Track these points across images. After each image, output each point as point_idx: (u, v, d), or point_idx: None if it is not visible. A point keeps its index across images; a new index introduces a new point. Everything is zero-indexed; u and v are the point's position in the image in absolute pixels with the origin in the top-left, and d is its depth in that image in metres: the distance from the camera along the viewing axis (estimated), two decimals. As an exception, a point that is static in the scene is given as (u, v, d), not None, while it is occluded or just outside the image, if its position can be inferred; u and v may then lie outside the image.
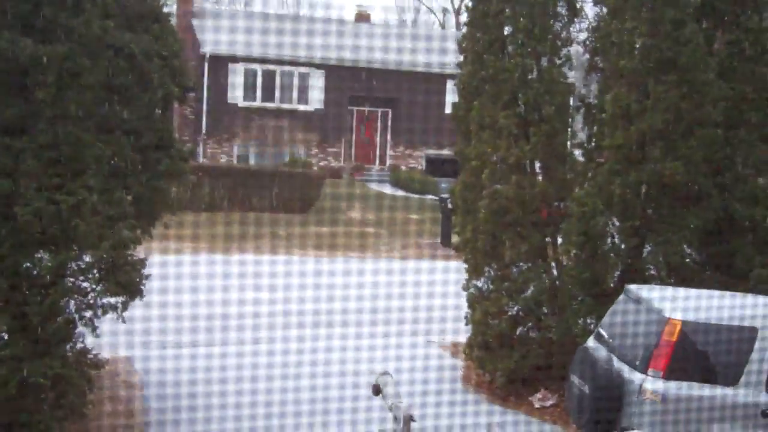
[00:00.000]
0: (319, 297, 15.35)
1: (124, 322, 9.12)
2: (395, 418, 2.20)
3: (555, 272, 11.71)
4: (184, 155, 10.31)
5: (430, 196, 29.66)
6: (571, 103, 12.63)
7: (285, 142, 32.69)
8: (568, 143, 12.30)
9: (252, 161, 32.42)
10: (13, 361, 8.10)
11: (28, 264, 8.51)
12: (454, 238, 15.57)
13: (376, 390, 2.38)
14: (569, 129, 12.40)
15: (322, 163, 33.37)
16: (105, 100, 9.02)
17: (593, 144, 11.71)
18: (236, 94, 32.78)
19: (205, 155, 32.26)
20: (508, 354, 11.22)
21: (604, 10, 11.58)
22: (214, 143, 32.75)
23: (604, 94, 11.50)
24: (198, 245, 20.03)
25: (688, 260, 11.31)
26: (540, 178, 11.85)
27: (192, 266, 17.19)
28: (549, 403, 10.88)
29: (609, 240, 11.13)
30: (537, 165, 11.95)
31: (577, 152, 12.24)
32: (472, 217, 11.91)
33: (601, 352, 8.64)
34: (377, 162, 35.29)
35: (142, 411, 10.05)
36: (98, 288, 8.97)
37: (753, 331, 8.17)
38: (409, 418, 2.18)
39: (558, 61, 11.68)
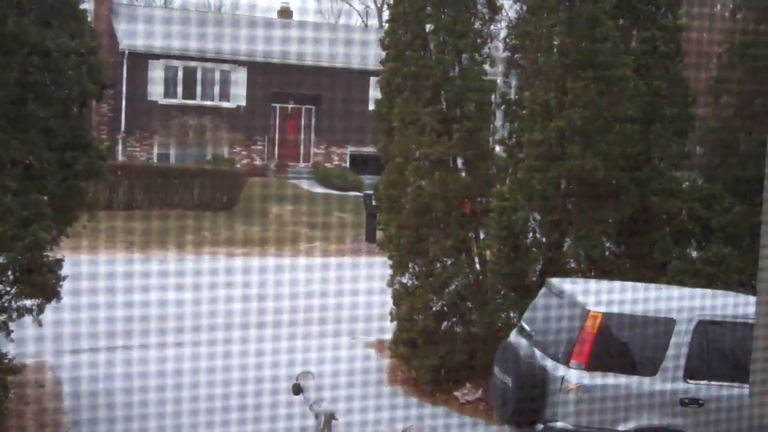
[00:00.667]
0: (241, 296, 15.20)
1: (40, 325, 8.90)
2: (316, 417, 2.17)
3: (478, 267, 11.82)
4: (102, 154, 10.08)
5: (354, 193, 29.68)
6: (493, 99, 12.76)
7: (207, 139, 32.29)
8: (490, 139, 12.43)
9: (173, 159, 31.95)
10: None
11: (-61, 267, 8.24)
12: (379, 235, 15.61)
13: (297, 389, 2.34)
14: (491, 125, 12.52)
15: (245, 161, 33.09)
16: (20, 98, 8.77)
17: (514, 140, 11.85)
18: (156, 91, 32.30)
19: (124, 153, 31.70)
20: (432, 350, 11.28)
21: (524, 8, 11.72)
22: (133, 141, 32.21)
23: (523, 90, 11.65)
24: (116, 245, 19.67)
25: (607, 253, 11.53)
26: (463, 174, 11.94)
27: (110, 267, 16.86)
28: (474, 397, 10.97)
29: (530, 234, 11.27)
30: (459, 161, 12.04)
31: (499, 148, 12.38)
32: (396, 214, 11.94)
33: (524, 346, 8.72)
34: (301, 159, 35.15)
35: (61, 416, 9.81)
36: (12, 290, 8.73)
37: (670, 322, 8.35)
38: (331, 417, 2.16)
39: (479, 59, 11.78)
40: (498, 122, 12.83)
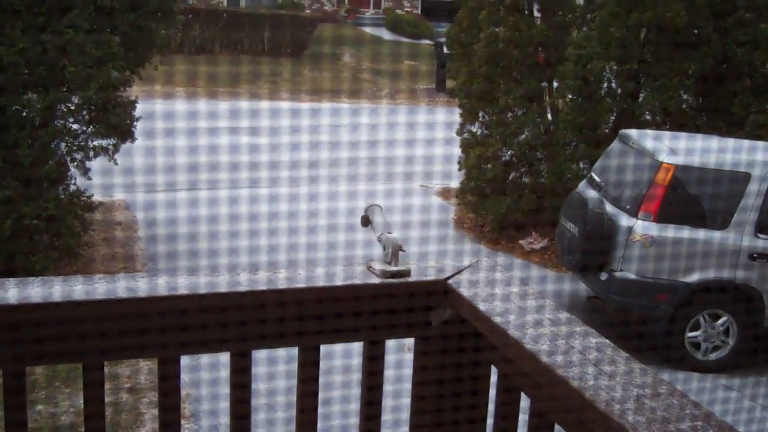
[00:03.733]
0: (309, 142, 15.28)
1: (116, 164, 9.10)
2: (384, 248, 2.18)
3: (550, 117, 11.63)
4: (171, -6, 10.01)
5: (425, 41, 29.16)
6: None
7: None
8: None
9: (243, 3, 31.62)
10: (7, 203, 8.12)
11: (17, 106, 8.41)
12: (449, 84, 15.40)
13: (365, 221, 2.34)
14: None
15: (314, 6, 32.59)
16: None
17: (594, -15, 11.40)
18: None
19: (194, -3, 31.42)
20: (500, 199, 11.27)
21: None
22: (203, -16, 31.84)
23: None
24: (188, 89, 19.80)
25: (684, 106, 11.22)
26: (539, 20, 11.59)
27: (179, 110, 17.03)
28: (539, 246, 11.02)
29: (605, 84, 11.00)
30: (536, 6, 11.68)
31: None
32: (468, 61, 11.72)
33: (593, 196, 8.67)
34: (372, 5, 34.48)
35: (137, 249, 10.16)
36: (89, 130, 8.90)
37: (746, 176, 8.18)
38: (398, 248, 2.16)
39: None
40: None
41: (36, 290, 1.89)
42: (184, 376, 2.20)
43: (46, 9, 8.19)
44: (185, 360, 2.00)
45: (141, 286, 1.97)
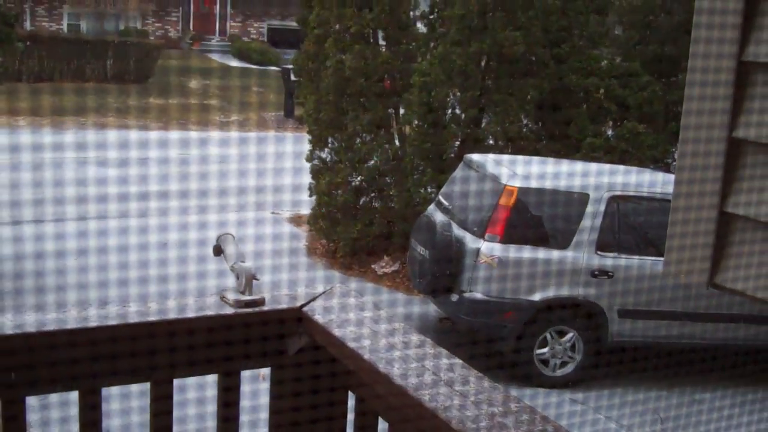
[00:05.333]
0: (158, 170, 14.98)
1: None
2: (237, 277, 2.17)
3: (398, 143, 11.84)
4: (8, 20, 9.65)
5: (272, 68, 29.15)
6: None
7: (119, 10, 31.10)
8: (411, 13, 12.25)
9: (84, 29, 30.76)
10: None
11: None
12: (298, 110, 15.45)
13: (217, 250, 2.33)
14: (412, -1, 12.33)
15: (158, 33, 32.06)
16: None
17: (436, 14, 11.71)
18: (64, -42, 30.80)
19: (32, 22, 30.37)
20: (351, 224, 11.37)
21: None
22: (42, 11, 30.83)
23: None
24: (29, 118, 19.05)
25: (525, 129, 11.65)
26: (383, 48, 11.80)
27: (24, 140, 16.37)
28: (391, 269, 11.16)
29: (449, 110, 11.30)
30: (380, 35, 11.88)
31: (420, 23, 12.23)
32: (316, 88, 11.80)
33: (441, 219, 8.87)
34: (217, 33, 34.22)
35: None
36: None
37: (584, 197, 8.56)
38: (252, 277, 2.16)
39: (401, -72, 11.50)
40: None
41: None
42: (31, 416, 2.12)
43: None
44: (32, 400, 1.93)
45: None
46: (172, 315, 2.07)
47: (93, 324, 1.97)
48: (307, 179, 12.16)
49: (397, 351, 1.92)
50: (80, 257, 10.33)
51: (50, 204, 12.28)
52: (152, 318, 2.04)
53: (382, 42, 11.92)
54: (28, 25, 29.78)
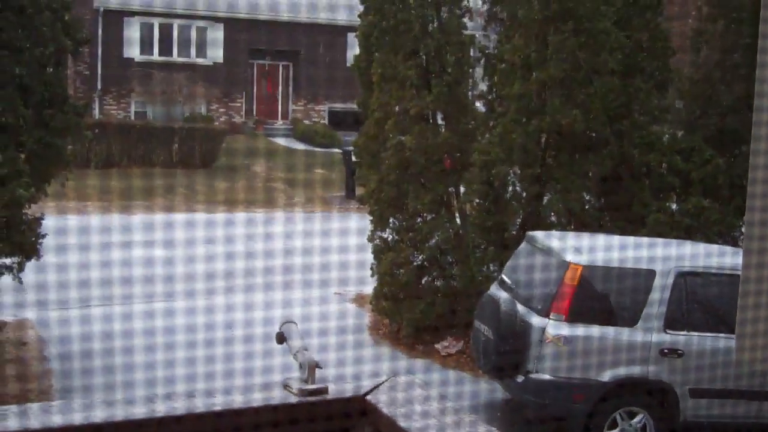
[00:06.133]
0: (224, 252, 15.18)
1: (20, 282, 8.86)
2: (300, 366, 2.17)
3: (458, 221, 11.85)
4: (79, 110, 9.99)
5: (334, 150, 29.56)
6: (472, 54, 12.69)
7: (184, 97, 31.98)
8: (470, 94, 12.39)
9: (150, 117, 31.65)
10: None
11: None
12: (359, 191, 15.61)
13: (280, 338, 2.34)
14: (470, 79, 12.48)
15: (223, 118, 32.83)
16: (-7, 55, 8.66)
17: (494, 94, 11.82)
18: (132, 49, 31.87)
19: (101, 111, 31.35)
20: (413, 303, 11.33)
21: (503, -40, 11.63)
22: (110, 99, 31.84)
23: (503, 44, 11.59)
24: (96, 203, 19.54)
25: (587, 206, 11.58)
26: (443, 128, 11.92)
27: (90, 225, 16.78)
28: (455, 350, 11.05)
29: (510, 188, 11.30)
30: (439, 116, 12.01)
31: (479, 103, 12.35)
32: (377, 169, 11.93)
33: (505, 298, 8.78)
34: (280, 116, 34.91)
35: (44, 373, 9.81)
36: (-8, 249, 8.68)
37: (650, 273, 8.42)
38: (315, 365, 2.16)
39: (458, 12, 11.71)
40: (477, 77, 12.79)
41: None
42: None
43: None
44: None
45: (54, 418, 1.91)
46: (238, 406, 2.08)
47: (160, 415, 1.99)
48: (369, 259, 12.20)
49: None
50: (147, 338, 10.44)
51: (118, 285, 12.48)
52: (218, 408, 2.05)
53: (441, 122, 12.04)
54: (97, 113, 30.75)
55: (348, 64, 27.00)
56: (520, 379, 8.42)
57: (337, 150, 28.49)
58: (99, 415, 1.94)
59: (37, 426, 1.85)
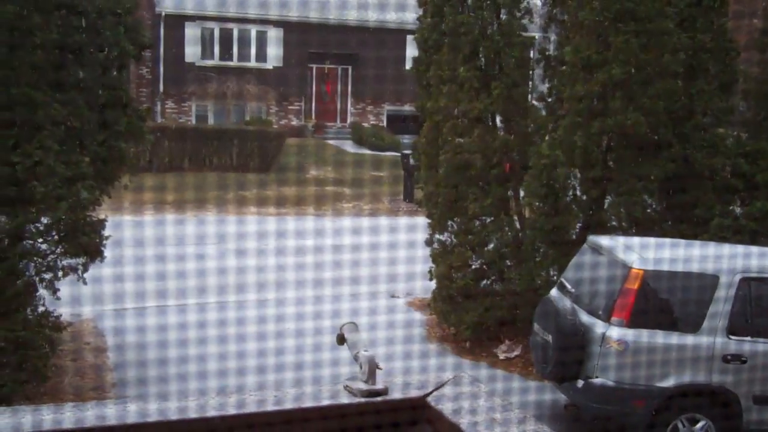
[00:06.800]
0: (282, 255, 15.29)
1: (85, 283, 9.02)
2: (361, 367, 2.17)
3: (518, 225, 11.77)
4: (142, 114, 10.14)
5: (391, 153, 29.60)
6: (531, 55, 12.61)
7: (244, 100, 32.31)
8: (529, 96, 12.30)
9: (211, 121, 32.05)
10: (-27, 326, 7.99)
11: (-15, 227, 8.37)
12: (417, 194, 15.59)
13: (341, 339, 2.35)
14: (530, 82, 12.39)
15: (282, 122, 33.10)
16: (59, 59, 8.83)
17: (554, 96, 11.71)
18: (193, 53, 32.31)
19: (163, 115, 31.85)
20: (472, 307, 11.28)
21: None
22: (172, 103, 32.32)
23: (563, 46, 11.48)
24: (158, 206, 19.84)
25: (649, 210, 11.41)
26: (501, 131, 11.85)
27: (152, 227, 17.03)
28: (514, 354, 10.98)
29: (571, 192, 11.19)
30: (498, 118, 11.95)
31: (538, 105, 12.25)
32: (435, 172, 11.90)
33: (565, 303, 8.70)
34: (338, 119, 35.07)
35: (107, 371, 9.98)
36: (57, 250, 8.85)
37: (714, 278, 8.27)
38: (375, 367, 2.16)
39: (518, 14, 11.63)
40: (537, 79, 12.70)
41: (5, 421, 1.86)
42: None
43: (16, 130, 8.25)
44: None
45: (109, 413, 1.93)
46: (297, 404, 2.09)
47: (232, 412, 2.01)
48: (427, 263, 12.17)
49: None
50: (209, 342, 10.55)
51: (177, 285, 12.64)
52: (275, 408, 2.06)
53: (500, 124, 11.97)
54: (158, 116, 31.24)
55: (406, 67, 27.05)
56: (580, 383, 8.33)
57: (395, 153, 28.52)
58: (172, 409, 1.97)
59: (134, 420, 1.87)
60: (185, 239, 16.18)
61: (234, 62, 32.83)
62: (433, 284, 12.00)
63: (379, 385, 2.13)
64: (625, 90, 10.59)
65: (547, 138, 11.37)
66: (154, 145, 22.83)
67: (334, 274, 13.97)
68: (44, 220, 8.71)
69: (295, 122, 33.53)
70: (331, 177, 25.65)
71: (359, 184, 24.58)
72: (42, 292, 8.86)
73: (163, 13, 31.53)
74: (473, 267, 11.63)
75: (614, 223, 11.19)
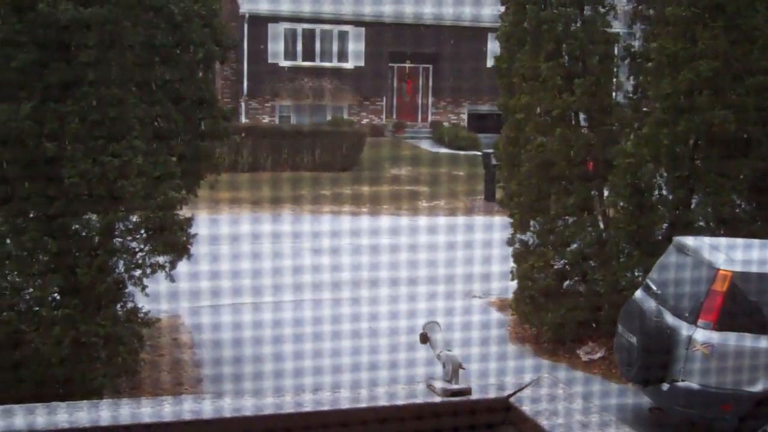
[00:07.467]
0: (363, 254, 15.37)
1: (172, 281, 9.22)
2: (444, 366, 2.17)
3: (601, 225, 11.59)
4: (226, 115, 10.33)
5: (472, 152, 29.49)
6: (616, 52, 12.40)
7: (326, 100, 32.59)
8: (613, 94, 12.11)
9: (293, 120, 32.41)
10: (66, 321, 8.24)
11: (77, 225, 8.63)
12: (498, 194, 15.51)
13: (424, 338, 2.35)
14: (614, 79, 12.19)
15: (363, 121, 33.28)
16: (147, 61, 9.04)
17: (639, 94, 11.51)
18: (276, 54, 32.71)
19: (246, 115, 32.32)
20: (554, 307, 11.16)
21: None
22: (255, 103, 32.78)
23: (649, 42, 11.28)
24: (243, 205, 20.16)
25: (737, 210, 11.12)
26: (585, 129, 11.69)
27: (237, 225, 17.31)
28: (597, 356, 10.83)
29: (657, 191, 10.98)
30: (582, 117, 11.80)
31: (623, 102, 12.05)
32: (517, 171, 11.82)
33: (650, 305, 8.55)
34: (419, 119, 35.09)
35: (194, 366, 10.20)
36: (146, 248, 9.07)
37: (805, 280, 8.03)
38: (458, 366, 2.16)
39: (602, 10, 11.46)
40: (621, 76, 12.49)
41: (104, 413, 1.92)
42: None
43: (105, 132, 8.48)
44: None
45: (205, 408, 1.98)
46: (382, 402, 2.10)
47: (307, 409, 2.03)
48: (507, 263, 12.09)
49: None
50: (296, 342, 10.68)
51: (263, 282, 12.81)
52: (363, 405, 2.08)
53: (584, 123, 11.82)
54: (243, 117, 31.72)
55: (488, 66, 26.91)
56: (665, 387, 8.17)
57: (476, 152, 28.40)
58: (248, 407, 2.00)
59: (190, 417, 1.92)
60: (264, 237, 16.39)
61: (316, 62, 33.14)
62: (514, 284, 11.92)
63: (462, 385, 2.12)
64: (712, 86, 10.34)
65: (632, 136, 11.18)
66: (238, 144, 23.24)
67: (417, 272, 13.98)
68: (133, 218, 8.94)
69: (376, 122, 33.68)
70: (412, 176, 25.69)
71: (438, 183, 24.56)
72: (131, 288, 9.09)
73: (247, 14, 32.00)
74: (555, 267, 11.51)
75: (701, 223, 10.94)
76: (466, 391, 2.12)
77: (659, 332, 8.17)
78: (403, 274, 13.90)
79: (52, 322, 8.23)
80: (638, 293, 9.21)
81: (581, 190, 11.35)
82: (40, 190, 8.29)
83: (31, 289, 8.46)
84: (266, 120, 32.46)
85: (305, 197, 21.79)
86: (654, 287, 8.96)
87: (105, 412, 1.92)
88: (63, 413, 1.90)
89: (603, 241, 11.32)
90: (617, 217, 11.05)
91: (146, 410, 1.95)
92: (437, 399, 2.09)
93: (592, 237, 11.38)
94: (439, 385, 2.13)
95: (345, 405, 2.07)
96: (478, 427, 2.11)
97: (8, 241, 8.42)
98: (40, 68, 8.23)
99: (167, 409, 1.95)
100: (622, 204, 10.89)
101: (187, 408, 1.97)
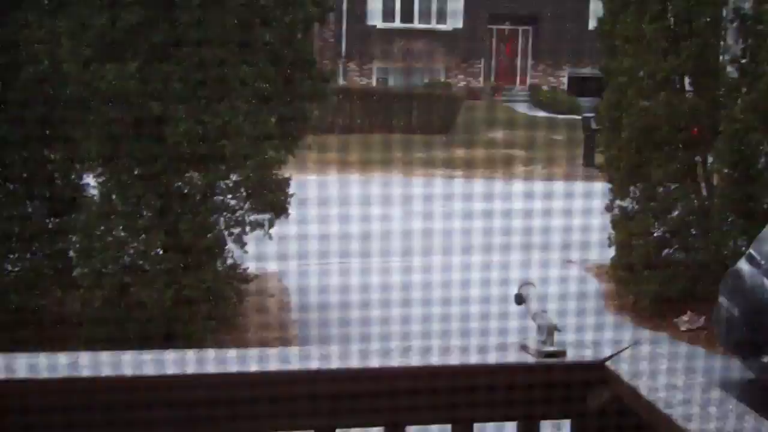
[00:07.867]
0: (458, 217, 15.32)
1: (270, 238, 9.39)
2: (538, 328, 2.16)
3: (704, 192, 11.29)
4: (325, 77, 10.40)
5: (572, 116, 28.99)
6: (724, 14, 11.96)
7: (423, 62, 32.47)
8: (721, 57, 11.70)
9: (391, 83, 32.41)
10: (168, 275, 8.49)
11: (179, 183, 8.86)
12: (598, 159, 15.24)
13: (519, 299, 2.34)
14: (722, 42, 11.78)
15: (461, 84, 33.04)
16: (247, 22, 9.15)
17: (749, 57, 11.10)
18: (375, 16, 32.69)
19: (345, 77, 32.46)
20: (653, 276, 10.94)
21: None
22: (353, 66, 32.90)
23: (762, 3, 10.84)
24: (340, 166, 20.30)
25: None
26: (690, 94, 11.36)
27: (334, 187, 17.45)
28: (696, 326, 10.60)
29: (764, 159, 10.62)
30: (687, 81, 11.45)
31: (730, 67, 11.65)
32: (618, 136, 11.57)
33: (753, 274, 8.31)
34: (518, 82, 34.67)
35: (290, 322, 10.39)
36: (245, 206, 9.25)
37: None
38: (554, 328, 2.14)
39: (711, -31, 11.06)
40: (730, 38, 12.05)
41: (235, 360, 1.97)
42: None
43: (207, 93, 8.64)
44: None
45: (293, 357, 2.02)
46: (473, 360, 2.11)
47: (395, 363, 2.05)
48: (605, 230, 11.89)
49: (710, 421, 1.81)
50: (382, 293, 10.73)
51: (355, 242, 12.88)
52: (454, 362, 2.08)
53: (689, 88, 11.48)
54: (341, 79, 31.88)
55: (590, 28, 26.34)
56: (766, 359, 7.96)
57: (576, 117, 27.92)
58: (333, 355, 2.04)
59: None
60: (363, 200, 16.48)
61: (414, 24, 32.98)
62: (612, 252, 11.72)
63: (557, 347, 2.11)
64: (828, 50, 9.91)
65: (739, 101, 10.80)
66: (337, 106, 23.39)
67: (513, 236, 13.85)
68: (233, 177, 9.12)
69: (474, 84, 33.41)
70: (510, 140, 25.44)
71: (538, 148, 24.27)
72: (230, 245, 9.29)
73: (346, -23, 32.05)
74: (655, 235, 11.27)
75: (812, 192, 10.55)
76: (560, 353, 2.10)
77: (761, 302, 7.95)
78: (500, 236, 13.79)
79: (155, 276, 8.50)
80: (741, 263, 8.96)
81: (684, 157, 11.06)
82: (145, 148, 8.53)
83: (135, 244, 8.74)
84: (364, 82, 32.54)
85: (401, 160, 21.81)
86: (758, 257, 8.70)
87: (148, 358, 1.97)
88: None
89: (706, 210, 11.03)
90: (721, 185, 10.74)
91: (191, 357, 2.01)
92: (531, 360, 2.08)
93: (695, 205, 11.10)
94: (533, 346, 2.12)
95: (435, 361, 2.08)
96: (572, 389, 2.09)
97: (114, 197, 8.71)
98: (145, 28, 8.42)
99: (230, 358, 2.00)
100: (727, 171, 10.57)
101: (275, 356, 2.01)
